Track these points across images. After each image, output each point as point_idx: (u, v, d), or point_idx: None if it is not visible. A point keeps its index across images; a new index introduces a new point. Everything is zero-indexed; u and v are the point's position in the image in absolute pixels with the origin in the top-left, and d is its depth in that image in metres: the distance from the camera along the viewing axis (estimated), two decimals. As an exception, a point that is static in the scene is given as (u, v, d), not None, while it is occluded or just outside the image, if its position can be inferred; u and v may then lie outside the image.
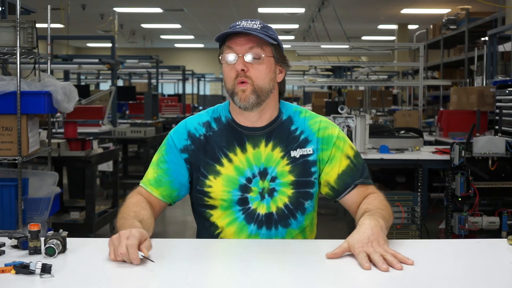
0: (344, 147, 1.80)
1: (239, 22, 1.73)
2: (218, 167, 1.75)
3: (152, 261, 1.43)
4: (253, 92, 1.69)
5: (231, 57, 1.70)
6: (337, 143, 1.79)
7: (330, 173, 1.78)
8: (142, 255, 1.42)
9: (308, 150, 1.77)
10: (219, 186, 1.74)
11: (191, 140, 1.78)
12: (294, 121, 1.80)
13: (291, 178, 1.75)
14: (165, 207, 1.84)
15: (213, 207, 1.77)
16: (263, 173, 1.75)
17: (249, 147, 1.76)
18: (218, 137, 1.77)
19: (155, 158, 1.82)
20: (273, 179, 1.75)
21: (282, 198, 1.76)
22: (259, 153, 1.75)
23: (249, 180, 1.74)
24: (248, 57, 1.69)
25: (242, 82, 1.69)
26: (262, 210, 1.75)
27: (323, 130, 1.80)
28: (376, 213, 1.62)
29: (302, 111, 1.83)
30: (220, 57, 1.75)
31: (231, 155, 1.75)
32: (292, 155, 1.76)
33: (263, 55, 1.70)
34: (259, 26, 1.72)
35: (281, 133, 1.77)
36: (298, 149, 1.77)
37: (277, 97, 1.80)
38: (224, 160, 1.75)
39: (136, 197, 1.76)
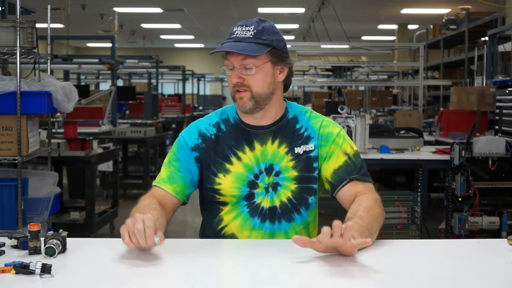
0: (343, 144, 1.83)
1: (235, 28, 1.77)
2: (228, 165, 1.81)
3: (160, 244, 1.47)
4: (251, 99, 1.76)
5: (227, 68, 1.77)
6: (336, 140, 1.83)
7: (328, 168, 1.81)
8: (158, 240, 1.42)
9: (310, 146, 1.82)
10: (228, 183, 1.80)
11: (202, 138, 1.84)
12: (300, 120, 1.86)
13: (294, 173, 1.80)
14: (178, 206, 1.86)
15: (224, 203, 1.82)
16: (269, 169, 1.80)
17: (257, 145, 1.81)
18: (227, 137, 1.84)
19: (166, 159, 1.87)
20: (277, 174, 1.80)
21: (286, 192, 1.80)
22: (266, 150, 1.81)
23: (256, 177, 1.80)
24: (242, 69, 1.74)
25: (240, 91, 1.76)
26: (266, 203, 1.80)
27: (324, 127, 1.84)
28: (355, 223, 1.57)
29: (307, 111, 1.89)
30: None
31: (240, 153, 1.81)
32: (296, 151, 1.81)
33: (256, 65, 1.74)
34: (252, 33, 1.74)
35: (287, 131, 1.83)
36: (301, 146, 1.82)
37: (280, 96, 1.85)
38: (234, 159, 1.81)
39: (148, 199, 1.77)
